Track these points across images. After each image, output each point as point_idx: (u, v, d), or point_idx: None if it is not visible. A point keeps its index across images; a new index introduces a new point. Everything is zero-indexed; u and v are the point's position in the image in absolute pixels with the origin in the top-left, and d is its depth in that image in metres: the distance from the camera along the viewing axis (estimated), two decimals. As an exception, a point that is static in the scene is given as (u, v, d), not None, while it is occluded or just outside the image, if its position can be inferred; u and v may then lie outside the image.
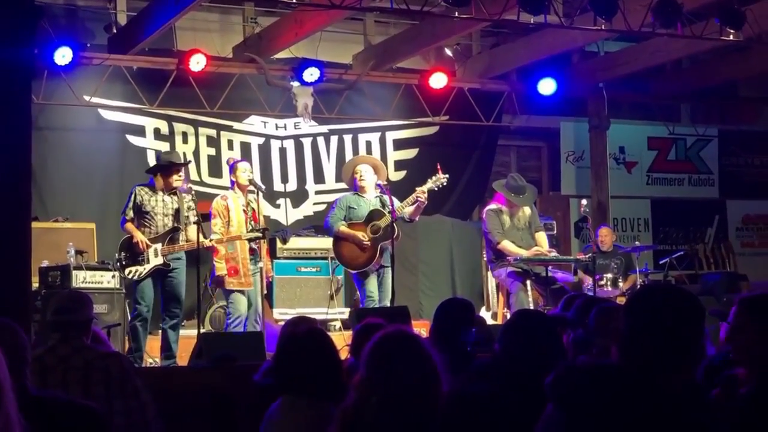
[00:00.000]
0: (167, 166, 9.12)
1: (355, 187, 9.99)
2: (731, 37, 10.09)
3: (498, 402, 3.65)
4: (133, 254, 8.87)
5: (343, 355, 7.98)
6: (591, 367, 2.89)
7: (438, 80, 12.48)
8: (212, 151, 12.42)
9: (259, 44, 11.79)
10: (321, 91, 12.25)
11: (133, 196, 9.00)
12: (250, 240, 9.10)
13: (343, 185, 12.41)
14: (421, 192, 9.64)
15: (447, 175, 9.93)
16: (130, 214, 8.97)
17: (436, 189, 9.96)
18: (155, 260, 8.86)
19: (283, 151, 12.85)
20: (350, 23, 12.93)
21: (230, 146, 12.53)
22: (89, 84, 11.38)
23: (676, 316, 2.80)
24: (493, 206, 10.42)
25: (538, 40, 12.14)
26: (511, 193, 10.27)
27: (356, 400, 3.39)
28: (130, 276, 8.92)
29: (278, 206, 12.66)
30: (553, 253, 10.36)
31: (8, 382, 1.83)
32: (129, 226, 8.96)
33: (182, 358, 8.64)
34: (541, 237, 10.44)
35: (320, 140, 13.09)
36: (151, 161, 11.73)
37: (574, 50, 13.56)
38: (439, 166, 9.85)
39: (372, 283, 9.69)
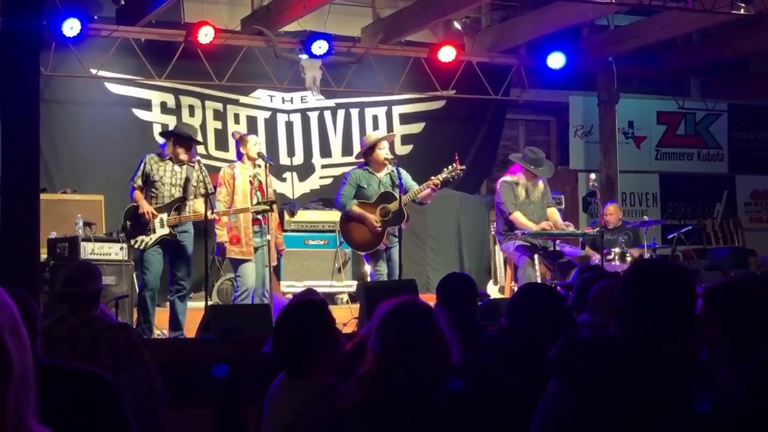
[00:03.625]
0: (184, 137, 9.11)
1: (363, 165, 9.82)
2: (742, 11, 10.06)
3: (506, 375, 3.67)
4: (139, 224, 8.87)
5: (350, 328, 8.06)
6: (592, 340, 2.93)
7: (447, 54, 12.45)
8: (218, 125, 12.44)
9: (268, 17, 11.76)
10: (329, 65, 12.24)
11: (142, 164, 8.99)
12: (257, 213, 9.10)
13: (350, 159, 12.44)
14: (436, 180, 9.52)
15: (464, 167, 9.83)
16: (138, 182, 8.96)
17: (450, 179, 9.93)
18: (161, 230, 8.86)
19: (289, 125, 12.86)
20: (359, -4, 12.90)
21: (236, 120, 12.55)
22: (96, 56, 11.39)
23: (667, 288, 2.84)
24: (508, 178, 10.38)
25: (548, 14, 12.11)
26: (530, 165, 10.23)
27: (369, 369, 3.42)
28: (135, 246, 8.93)
29: (284, 180, 12.69)
30: (571, 228, 10.39)
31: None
32: (137, 194, 8.95)
33: (190, 330, 8.68)
34: (554, 212, 10.44)
35: (327, 114, 13.10)
36: (157, 134, 11.76)
37: (584, 24, 13.51)
38: (457, 157, 9.75)
39: (380, 259, 9.69)
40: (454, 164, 9.61)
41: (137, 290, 9.20)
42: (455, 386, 3.44)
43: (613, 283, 4.73)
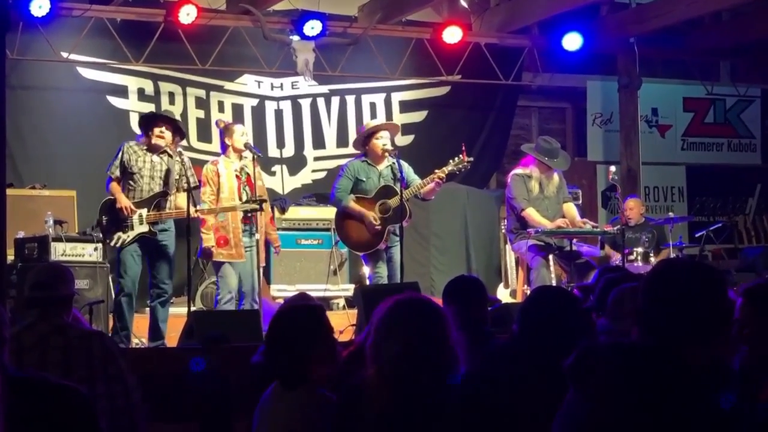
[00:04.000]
0: (149, 118, 9.12)
1: (362, 155, 9.83)
2: (776, -13, 10.05)
3: (518, 385, 3.68)
4: (116, 219, 8.85)
5: (348, 335, 8.07)
6: (610, 346, 2.93)
7: (452, 35, 12.46)
8: (201, 114, 12.44)
9: (256, -6, 11.77)
10: (323, 47, 12.23)
11: (120, 153, 8.96)
12: (245, 211, 9.08)
13: (345, 151, 12.44)
14: (441, 174, 9.50)
15: (471, 159, 9.80)
16: (116, 172, 8.93)
17: (457, 173, 9.93)
18: (140, 227, 8.84)
19: (279, 114, 12.87)
20: (356, -29, 12.90)
21: (221, 108, 12.55)
22: (68, 39, 11.39)
23: (695, 290, 2.84)
24: (520, 170, 10.36)
25: (564, -10, 12.11)
26: (544, 156, 10.22)
27: (373, 375, 3.42)
28: (112, 243, 8.90)
29: (274, 174, 12.68)
30: (588, 225, 10.36)
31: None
32: (114, 186, 8.91)
33: (171, 339, 8.69)
34: (570, 208, 10.44)
35: (320, 101, 13.10)
36: (134, 124, 11.76)
37: (603, 1, 13.51)
38: (464, 148, 9.75)
39: (380, 260, 9.67)
40: (460, 156, 9.58)
41: (113, 295, 9.20)
42: (463, 395, 3.44)
43: (636, 287, 4.74)
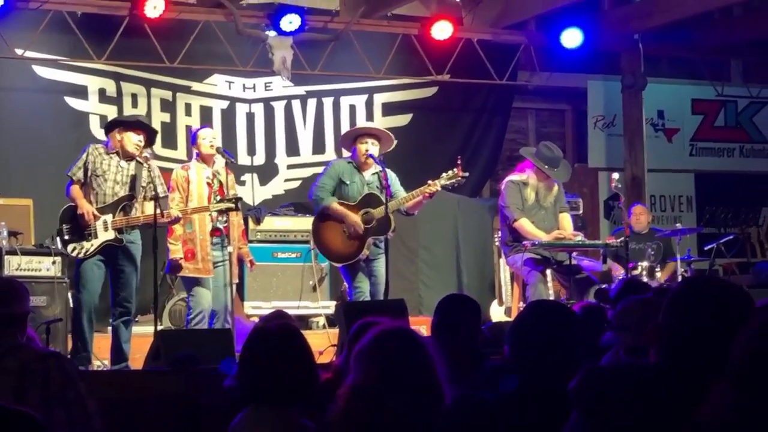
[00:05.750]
0: (128, 123, 9.05)
1: (354, 156, 9.76)
2: (792, -20, 10.09)
3: (512, 411, 3.67)
4: (78, 227, 8.78)
5: (328, 357, 8.04)
6: (623, 369, 2.92)
7: (441, 30, 12.47)
8: (166, 117, 12.41)
9: (229, -14, 11.77)
10: (302, 43, 12.24)
11: (84, 155, 8.86)
12: (219, 212, 9.03)
13: (321, 158, 12.46)
14: (432, 188, 9.48)
15: (466, 174, 9.81)
16: (78, 174, 8.84)
17: (450, 188, 9.91)
18: (105, 235, 8.75)
19: (250, 117, 12.84)
20: (337, -39, 12.91)
21: (188, 111, 12.52)
22: (23, 34, 11.35)
23: (725, 311, 2.83)
24: (515, 177, 10.35)
25: (562, -17, 12.14)
26: (544, 164, 10.20)
27: (344, 409, 3.41)
28: (74, 253, 8.80)
29: (243, 183, 12.59)
30: (579, 237, 10.36)
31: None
32: (75, 190, 8.82)
33: (136, 360, 8.65)
34: (565, 218, 10.44)
35: (295, 104, 13.07)
36: (95, 127, 11.72)
37: (605, -6, 13.58)
38: (459, 161, 9.73)
39: (361, 274, 9.64)
40: (455, 170, 9.56)
41: (72, 311, 9.13)
42: (454, 421, 3.43)
43: (647, 300, 4.74)
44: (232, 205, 8.93)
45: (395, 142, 10.03)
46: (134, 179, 8.91)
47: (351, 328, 5.23)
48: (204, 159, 9.29)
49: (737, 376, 2.31)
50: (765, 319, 2.40)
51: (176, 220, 8.96)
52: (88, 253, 8.75)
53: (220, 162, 9.26)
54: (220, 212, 9.05)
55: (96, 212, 8.74)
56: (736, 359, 2.35)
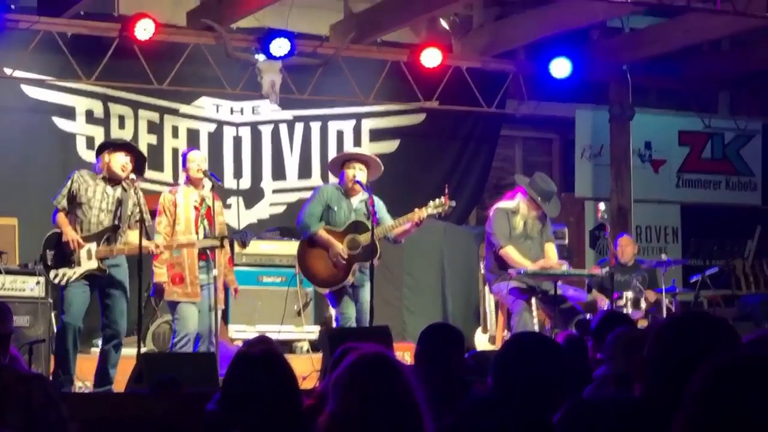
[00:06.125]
0: (117, 145, 9.01)
1: (342, 181, 9.75)
2: (780, 15, 10.14)
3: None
4: (62, 254, 8.76)
5: (312, 382, 8.03)
6: (608, 403, 2.91)
7: (431, 57, 12.49)
8: (153, 139, 12.39)
9: (219, 10, 11.77)
10: (291, 67, 12.24)
11: (69, 182, 8.83)
12: (204, 248, 9.03)
13: (307, 183, 12.46)
14: (419, 216, 9.50)
15: (453, 203, 9.84)
16: (63, 202, 8.81)
17: (436, 216, 9.92)
18: (88, 264, 8.73)
19: (237, 141, 12.83)
20: (328, -14, 12.94)
21: (175, 133, 12.51)
22: (13, 53, 11.34)
23: (712, 348, 2.82)
24: (505, 204, 10.33)
25: (552, 13, 12.19)
26: (537, 196, 10.18)
27: None
28: (56, 280, 8.76)
29: (229, 206, 12.55)
30: (564, 267, 10.36)
31: None
32: (61, 218, 8.79)
33: (118, 383, 8.62)
34: (551, 248, 10.43)
35: (282, 128, 13.07)
36: (81, 148, 11.71)
37: (594, 26, 13.60)
38: (447, 190, 9.75)
39: (347, 300, 9.64)
40: (442, 198, 9.57)
41: (55, 333, 9.09)
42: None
43: (634, 331, 4.74)
44: (218, 243, 8.93)
45: (382, 169, 10.01)
46: (119, 206, 8.85)
47: (335, 352, 5.24)
48: (193, 182, 9.28)
49: (690, 414, 2.31)
50: (722, 358, 2.40)
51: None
52: (70, 281, 8.71)
53: (208, 185, 9.25)
54: (205, 248, 9.04)
55: (81, 240, 8.70)
56: (689, 397, 2.34)
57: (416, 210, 9.50)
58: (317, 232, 9.61)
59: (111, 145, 9.08)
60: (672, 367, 2.83)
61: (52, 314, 9.45)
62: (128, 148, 9.02)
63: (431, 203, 9.57)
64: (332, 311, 10.15)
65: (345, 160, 9.79)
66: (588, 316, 10.75)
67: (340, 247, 9.52)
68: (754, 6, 10.23)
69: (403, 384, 3.44)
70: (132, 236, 8.84)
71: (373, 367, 3.48)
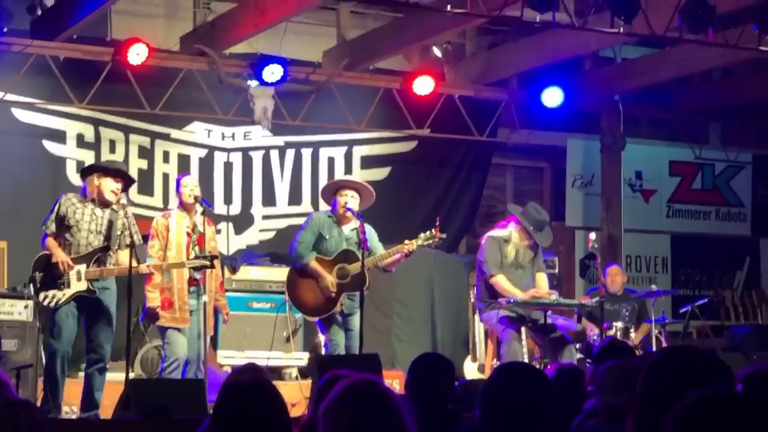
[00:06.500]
0: (112, 170, 8.98)
1: (334, 208, 9.75)
2: (772, 47, 10.19)
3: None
4: (51, 276, 8.72)
5: (300, 409, 8.01)
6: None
7: (423, 85, 12.52)
8: (144, 164, 12.35)
9: (212, 35, 11.79)
10: (284, 93, 12.26)
11: (57, 206, 8.83)
12: (195, 269, 9.00)
13: (297, 209, 12.45)
14: (409, 247, 9.53)
15: (444, 235, 9.87)
16: (52, 227, 8.79)
17: (425, 246, 9.92)
18: (78, 285, 8.69)
19: (228, 167, 12.81)
20: (321, 13, 12.97)
21: (166, 158, 12.48)
22: (4, 76, 11.33)
23: (705, 383, 2.82)
24: (497, 233, 10.30)
25: (544, 42, 12.22)
26: (530, 225, 10.18)
27: None
28: (45, 302, 8.71)
29: (219, 232, 12.49)
30: (554, 296, 10.36)
31: None
32: (50, 242, 8.76)
33: (106, 408, 8.57)
34: (541, 278, 10.42)
35: (273, 154, 13.05)
36: (71, 172, 11.68)
37: (586, 55, 13.65)
38: (438, 222, 9.77)
39: (336, 327, 9.63)
40: (433, 231, 9.60)
41: (43, 358, 9.06)
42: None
43: (627, 362, 4.73)
44: (208, 263, 8.89)
45: (374, 196, 10.01)
46: (110, 226, 8.84)
47: (321, 380, 5.23)
48: (185, 207, 9.27)
49: None
50: (701, 398, 2.40)
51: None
52: (59, 302, 8.67)
53: (200, 211, 9.24)
54: (195, 268, 9.02)
55: (71, 262, 8.68)
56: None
57: (406, 241, 9.52)
58: (308, 262, 9.62)
59: (101, 169, 9.05)
60: (664, 401, 2.83)
61: (40, 338, 9.40)
62: (118, 173, 8.99)
63: (422, 235, 9.59)
64: (321, 338, 10.13)
65: (337, 188, 9.79)
66: (595, 339, 10.79)
67: (330, 280, 9.54)
68: (746, 38, 10.27)
69: (394, 412, 3.43)
70: (122, 257, 8.82)
71: (363, 395, 3.46)
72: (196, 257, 8.99)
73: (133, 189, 12.02)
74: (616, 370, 4.71)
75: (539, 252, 10.45)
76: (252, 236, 12.92)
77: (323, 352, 9.94)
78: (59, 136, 11.99)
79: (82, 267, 8.70)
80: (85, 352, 8.89)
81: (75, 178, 11.60)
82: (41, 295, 8.73)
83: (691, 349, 3.16)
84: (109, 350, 8.92)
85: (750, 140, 15.96)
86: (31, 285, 8.87)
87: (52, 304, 8.69)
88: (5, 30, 11.36)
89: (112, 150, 12.17)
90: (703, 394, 2.41)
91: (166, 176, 12.24)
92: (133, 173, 11.62)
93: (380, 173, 13.44)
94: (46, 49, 11.28)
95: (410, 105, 12.79)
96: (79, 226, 8.77)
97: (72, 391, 9.15)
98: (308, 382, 9.53)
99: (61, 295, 8.68)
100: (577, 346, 10.29)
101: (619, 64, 13.86)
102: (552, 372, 6.02)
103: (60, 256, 8.67)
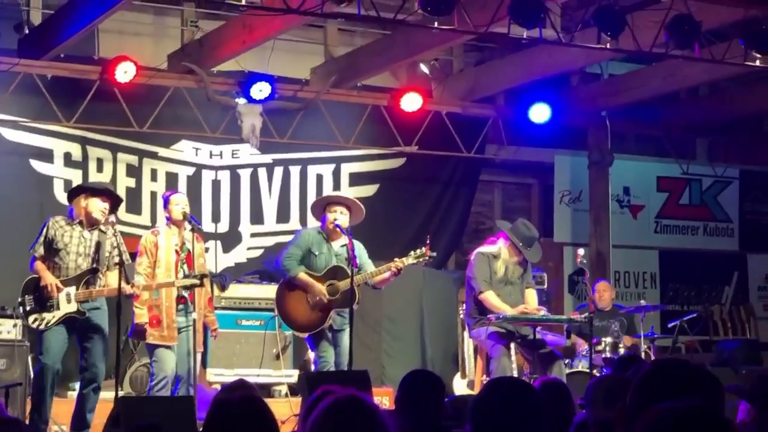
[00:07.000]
0: (100, 191, 8.97)
1: (324, 225, 9.76)
2: (758, 63, 10.21)
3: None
4: (41, 299, 8.72)
5: (290, 426, 8.00)
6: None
7: (411, 102, 12.54)
8: (131, 182, 12.32)
9: (200, 53, 11.80)
10: (271, 111, 12.27)
11: (45, 229, 8.85)
12: (184, 288, 9.00)
13: (285, 227, 12.45)
14: (399, 264, 9.55)
15: (434, 254, 9.91)
16: (40, 251, 8.81)
17: (416, 264, 9.94)
18: (67, 307, 8.70)
19: (216, 185, 12.79)
20: (309, 31, 12.99)
21: (154, 177, 12.46)
22: (-9, 95, 11.33)
23: (695, 396, 2.83)
24: (486, 249, 10.31)
25: (531, 58, 12.25)
26: (519, 241, 10.19)
27: None
28: (35, 325, 8.72)
29: (207, 249, 12.47)
30: (543, 312, 10.37)
31: None
32: (39, 265, 8.78)
33: (95, 427, 8.56)
34: (531, 294, 10.43)
35: (261, 172, 13.03)
36: (59, 191, 11.66)
37: (573, 71, 13.70)
38: (428, 240, 9.80)
39: (325, 343, 9.62)
40: (423, 249, 9.62)
41: (32, 376, 9.03)
42: None
43: (617, 376, 4.75)
44: (198, 282, 8.90)
45: (364, 213, 10.01)
46: (98, 248, 8.84)
47: (310, 397, 5.22)
48: (175, 224, 9.26)
49: None
50: (661, 407, 2.42)
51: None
52: (48, 324, 8.67)
53: (188, 228, 9.23)
54: (185, 287, 9.01)
55: (60, 284, 8.67)
56: None
57: (396, 259, 9.54)
58: (297, 275, 9.61)
59: (88, 190, 9.06)
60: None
61: (29, 357, 9.38)
62: (105, 193, 8.99)
63: (412, 253, 9.62)
64: (311, 355, 10.12)
65: (327, 203, 9.80)
66: (584, 354, 10.78)
67: (321, 288, 9.53)
68: (732, 53, 10.31)
69: (378, 428, 3.43)
70: (111, 278, 8.82)
71: (348, 411, 3.46)
72: (186, 276, 8.99)
73: (121, 207, 11.98)
74: (606, 384, 4.74)
75: (528, 268, 10.46)
76: (240, 254, 12.90)
77: (313, 368, 9.93)
78: (46, 155, 11.95)
79: (72, 289, 8.70)
80: (79, 371, 8.89)
81: (62, 197, 11.55)
82: (31, 318, 8.72)
83: (680, 362, 3.17)
84: (104, 369, 8.94)
85: (737, 155, 16.00)
86: (21, 308, 8.86)
87: (42, 326, 8.68)
88: (-8, 49, 11.37)
89: (100, 169, 12.14)
90: (665, 406, 2.44)
91: (153, 194, 12.22)
92: (121, 192, 11.64)
93: (369, 190, 13.43)
94: (34, 68, 11.28)
95: (398, 122, 12.82)
96: (68, 249, 8.78)
97: (62, 411, 9.13)
98: (298, 399, 9.53)
99: (51, 317, 8.68)
100: (566, 361, 10.29)
101: (606, 80, 13.91)
102: (538, 386, 6.03)
103: (49, 279, 8.67)
